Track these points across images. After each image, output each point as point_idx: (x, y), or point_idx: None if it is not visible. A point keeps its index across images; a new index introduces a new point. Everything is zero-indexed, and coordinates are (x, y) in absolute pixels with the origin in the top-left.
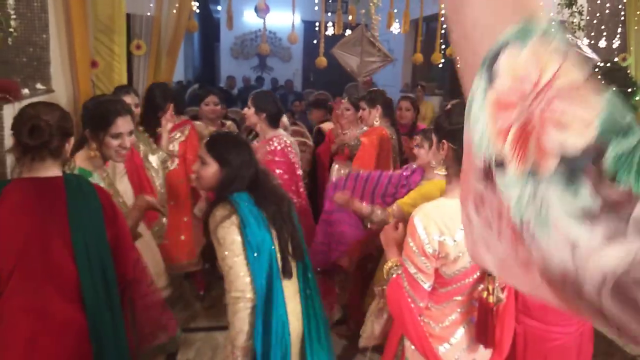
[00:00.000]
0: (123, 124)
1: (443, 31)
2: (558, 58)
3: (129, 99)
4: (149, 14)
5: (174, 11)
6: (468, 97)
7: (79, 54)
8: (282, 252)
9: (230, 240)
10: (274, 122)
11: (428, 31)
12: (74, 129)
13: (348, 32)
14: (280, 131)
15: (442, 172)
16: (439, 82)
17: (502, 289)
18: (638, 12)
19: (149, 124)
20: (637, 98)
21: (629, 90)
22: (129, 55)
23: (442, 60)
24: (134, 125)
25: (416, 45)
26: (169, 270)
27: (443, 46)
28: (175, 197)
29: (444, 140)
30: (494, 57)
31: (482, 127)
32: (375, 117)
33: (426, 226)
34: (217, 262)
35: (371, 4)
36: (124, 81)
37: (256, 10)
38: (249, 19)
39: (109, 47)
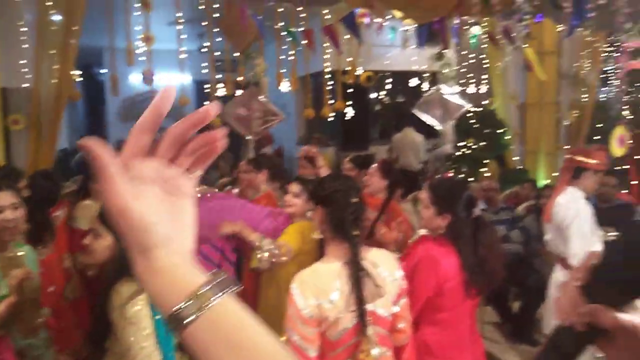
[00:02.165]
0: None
1: (330, 87)
2: None
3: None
4: (26, 85)
5: (54, 81)
6: None
7: None
8: None
9: (143, 318)
10: None
11: (316, 86)
12: None
13: (240, 92)
14: None
15: (318, 235)
16: (332, 134)
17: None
18: (498, 64)
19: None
20: (507, 137)
21: (499, 131)
22: (6, 131)
23: (333, 114)
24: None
25: (306, 101)
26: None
27: (331, 101)
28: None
29: (318, 205)
30: None
31: None
32: (262, 180)
33: (302, 291)
34: (107, 344)
35: (258, 68)
36: (1, 159)
37: (143, 76)
38: (135, 80)
39: None
